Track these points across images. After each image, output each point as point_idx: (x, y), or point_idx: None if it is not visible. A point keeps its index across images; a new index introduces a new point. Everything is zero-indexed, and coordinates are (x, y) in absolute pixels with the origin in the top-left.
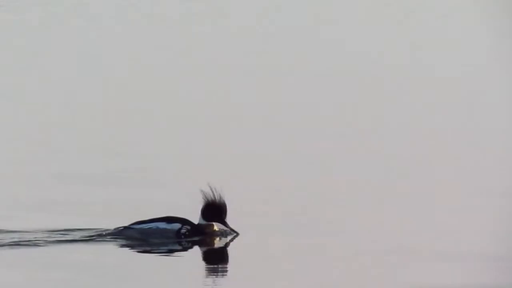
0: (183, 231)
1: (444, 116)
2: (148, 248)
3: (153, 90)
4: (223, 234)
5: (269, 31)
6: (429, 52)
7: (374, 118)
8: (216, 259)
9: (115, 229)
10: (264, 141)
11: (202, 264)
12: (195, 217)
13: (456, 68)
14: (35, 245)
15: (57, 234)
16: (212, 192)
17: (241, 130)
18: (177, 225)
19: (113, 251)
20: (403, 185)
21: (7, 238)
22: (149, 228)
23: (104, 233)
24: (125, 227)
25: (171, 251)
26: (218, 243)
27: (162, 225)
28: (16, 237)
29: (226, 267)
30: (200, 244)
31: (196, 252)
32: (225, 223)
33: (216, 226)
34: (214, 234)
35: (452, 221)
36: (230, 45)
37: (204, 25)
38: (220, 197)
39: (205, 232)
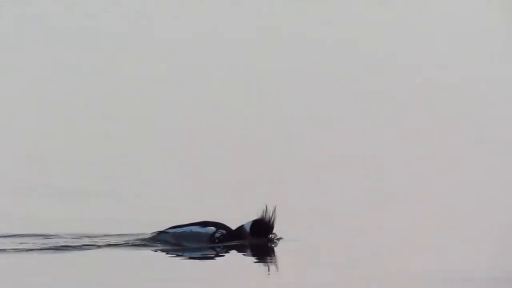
0: (217, 235)
1: (452, 118)
2: (180, 253)
3: (142, 101)
4: (259, 240)
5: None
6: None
7: (382, 121)
8: (249, 264)
9: (151, 233)
10: (267, 143)
11: (233, 268)
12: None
13: (463, 69)
14: (75, 249)
15: (97, 238)
16: (270, 213)
17: (241, 134)
18: (211, 229)
19: (144, 255)
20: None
21: (38, 242)
22: (183, 232)
23: (141, 237)
24: (160, 232)
25: (202, 255)
26: (252, 248)
27: (196, 228)
28: (55, 241)
29: (259, 272)
30: (234, 249)
31: (228, 257)
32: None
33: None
34: (250, 239)
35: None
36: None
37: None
38: (273, 222)
39: (240, 237)
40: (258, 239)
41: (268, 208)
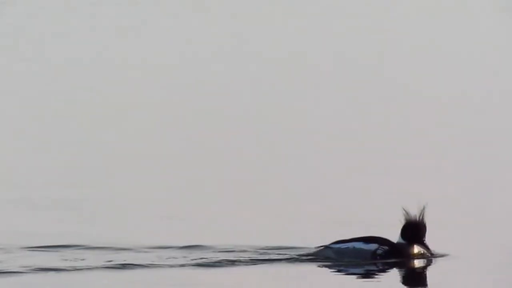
0: (379, 252)
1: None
2: (342, 269)
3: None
4: (422, 257)
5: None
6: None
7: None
8: (410, 285)
9: (316, 248)
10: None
11: None
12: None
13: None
14: (234, 264)
15: (257, 253)
16: (413, 211)
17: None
18: (373, 246)
19: (307, 271)
20: None
21: (212, 257)
22: (346, 248)
23: (305, 252)
24: (325, 247)
25: (364, 273)
26: (415, 266)
27: (359, 245)
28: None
29: None
30: (396, 266)
31: (390, 275)
32: (423, 244)
33: (416, 248)
34: (412, 256)
35: None
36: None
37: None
38: (421, 217)
39: (403, 254)
40: (420, 250)
41: (408, 210)
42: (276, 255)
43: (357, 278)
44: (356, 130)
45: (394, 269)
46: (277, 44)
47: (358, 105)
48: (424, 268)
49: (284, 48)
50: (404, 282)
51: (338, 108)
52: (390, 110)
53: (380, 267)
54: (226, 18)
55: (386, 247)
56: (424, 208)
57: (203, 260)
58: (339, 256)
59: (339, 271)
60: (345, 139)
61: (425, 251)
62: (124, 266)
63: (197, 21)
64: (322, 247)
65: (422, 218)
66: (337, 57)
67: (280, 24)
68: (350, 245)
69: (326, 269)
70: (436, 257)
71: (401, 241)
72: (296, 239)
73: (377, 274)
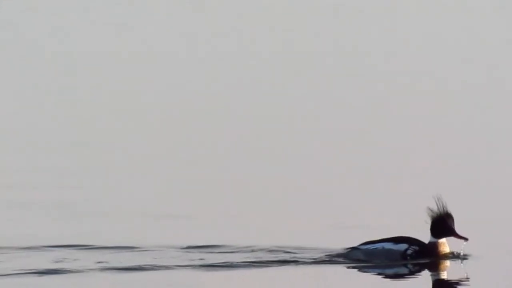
0: (409, 252)
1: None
2: (371, 270)
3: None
4: (453, 256)
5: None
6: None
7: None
8: (438, 285)
9: (344, 249)
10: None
11: None
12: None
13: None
14: (266, 265)
15: (284, 254)
16: (436, 205)
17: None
18: (403, 246)
19: (335, 272)
20: None
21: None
22: (375, 248)
23: (333, 253)
24: (353, 248)
25: (394, 274)
26: (446, 266)
27: (388, 245)
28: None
29: None
30: (427, 266)
31: (420, 276)
32: (454, 233)
33: (447, 247)
34: (443, 255)
35: None
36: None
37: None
38: (443, 208)
39: (434, 253)
40: (449, 252)
41: (432, 205)
42: (304, 257)
43: (386, 279)
44: (356, 130)
45: (425, 269)
46: (277, 43)
47: (359, 105)
48: (454, 268)
49: (284, 47)
50: (433, 282)
51: (338, 108)
52: (390, 110)
53: (410, 268)
54: (225, 17)
55: (416, 247)
56: (442, 199)
57: (223, 261)
58: (368, 257)
59: (368, 272)
60: (346, 140)
61: (461, 240)
62: (123, 267)
63: (196, 20)
64: (350, 249)
65: (445, 209)
66: (337, 56)
67: (280, 23)
68: (379, 246)
69: (355, 270)
70: (467, 257)
71: (433, 240)
72: (320, 240)
73: (406, 275)
